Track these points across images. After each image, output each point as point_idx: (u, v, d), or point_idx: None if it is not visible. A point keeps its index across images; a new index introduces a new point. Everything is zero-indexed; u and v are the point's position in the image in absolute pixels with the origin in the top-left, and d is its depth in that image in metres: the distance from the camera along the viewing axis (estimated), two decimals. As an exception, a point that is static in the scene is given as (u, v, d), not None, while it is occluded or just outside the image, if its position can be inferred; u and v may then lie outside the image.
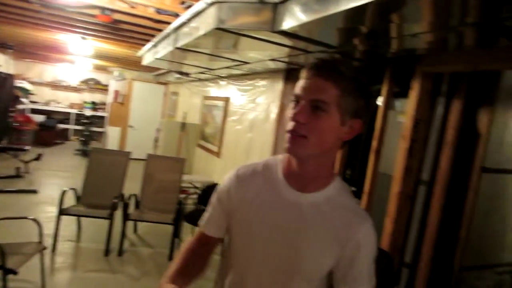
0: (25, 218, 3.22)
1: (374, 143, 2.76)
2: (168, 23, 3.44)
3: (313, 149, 0.88)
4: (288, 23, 1.93)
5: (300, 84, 0.88)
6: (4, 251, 2.38)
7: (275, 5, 1.97)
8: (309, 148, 0.87)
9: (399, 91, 2.76)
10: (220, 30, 2.17)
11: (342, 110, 0.86)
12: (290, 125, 0.87)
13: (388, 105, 2.75)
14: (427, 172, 2.68)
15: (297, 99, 0.87)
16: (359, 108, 0.89)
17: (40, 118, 9.85)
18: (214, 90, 6.25)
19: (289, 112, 0.89)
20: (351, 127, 0.90)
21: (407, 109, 2.51)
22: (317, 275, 0.94)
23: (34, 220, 2.96)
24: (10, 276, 2.42)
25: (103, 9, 3.28)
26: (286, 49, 2.73)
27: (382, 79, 2.75)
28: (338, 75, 0.85)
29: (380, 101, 2.83)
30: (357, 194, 3.30)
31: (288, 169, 0.97)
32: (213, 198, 1.07)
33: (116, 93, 9.76)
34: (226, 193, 1.02)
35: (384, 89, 2.70)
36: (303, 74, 0.89)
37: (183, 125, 6.85)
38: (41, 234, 2.90)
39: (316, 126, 0.85)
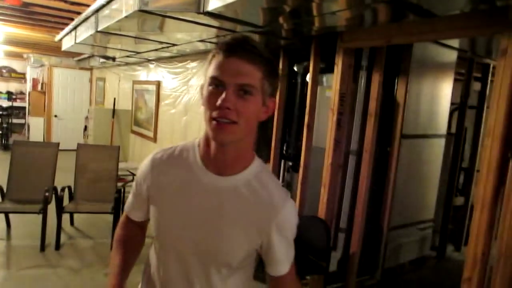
0: None
1: (306, 118, 2.88)
2: (86, 5, 3.23)
3: (241, 134, 0.86)
4: (213, 4, 1.92)
5: (218, 66, 0.83)
6: None
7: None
8: (238, 133, 0.85)
9: (325, 67, 2.89)
10: (143, 12, 2.09)
11: (264, 92, 0.86)
12: (215, 112, 0.82)
13: (316, 81, 2.87)
14: (355, 142, 2.87)
15: (219, 83, 0.82)
16: (275, 87, 0.90)
17: None
18: (143, 74, 6.02)
19: (208, 96, 0.84)
20: (268, 107, 0.90)
21: (332, 84, 2.64)
22: (235, 260, 0.93)
23: None
24: None
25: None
26: (214, 30, 2.72)
27: (308, 57, 2.85)
28: (259, 57, 0.84)
29: (308, 77, 2.94)
30: (294, 168, 3.45)
31: (206, 152, 0.93)
32: (133, 183, 1.06)
33: (35, 81, 9.00)
34: (143, 179, 1.00)
35: (311, 66, 2.81)
36: (217, 54, 0.84)
37: (114, 112, 6.56)
38: None
39: (245, 111, 0.83)
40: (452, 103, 3.42)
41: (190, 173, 0.94)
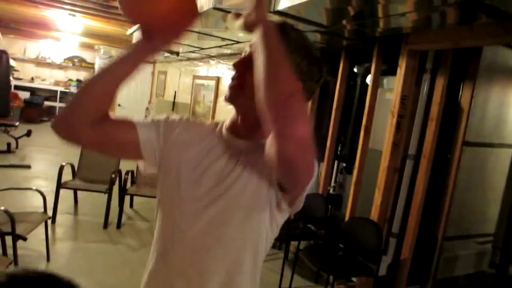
0: (30, 189, 3.30)
1: (364, 120, 2.86)
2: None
3: (247, 100, 0.87)
4: (283, 3, 1.98)
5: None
6: (14, 219, 2.48)
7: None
8: (243, 97, 0.89)
9: (387, 69, 2.85)
10: (217, 10, 2.21)
11: None
12: (231, 75, 0.92)
13: (377, 82, 2.83)
14: (413, 146, 2.80)
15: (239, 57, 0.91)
16: (300, 69, 0.88)
17: (25, 95, 9.74)
18: (204, 69, 6.24)
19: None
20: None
21: (394, 86, 2.61)
22: (254, 207, 0.89)
23: (38, 191, 3.07)
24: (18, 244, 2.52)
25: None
26: (277, 28, 2.78)
27: (369, 58, 2.83)
28: (282, 33, 0.85)
29: (369, 79, 2.91)
30: (348, 170, 3.43)
31: (231, 122, 0.97)
32: (158, 116, 1.00)
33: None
34: (177, 121, 0.99)
35: (373, 67, 2.78)
36: None
37: (174, 104, 6.87)
38: (45, 205, 3.02)
39: (252, 77, 0.83)
40: (524, 112, 3.21)
41: (216, 137, 0.96)
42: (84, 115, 0.85)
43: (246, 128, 0.93)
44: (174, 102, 6.91)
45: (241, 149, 0.93)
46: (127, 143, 0.93)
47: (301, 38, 0.92)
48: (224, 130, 0.97)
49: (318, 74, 0.93)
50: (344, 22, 2.24)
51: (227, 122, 0.99)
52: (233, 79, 0.91)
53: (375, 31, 2.48)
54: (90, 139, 0.88)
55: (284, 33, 0.87)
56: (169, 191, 0.95)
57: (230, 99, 0.92)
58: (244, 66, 0.88)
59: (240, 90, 0.89)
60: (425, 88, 2.73)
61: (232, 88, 0.91)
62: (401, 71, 2.52)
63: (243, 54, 0.91)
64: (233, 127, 0.96)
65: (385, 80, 2.98)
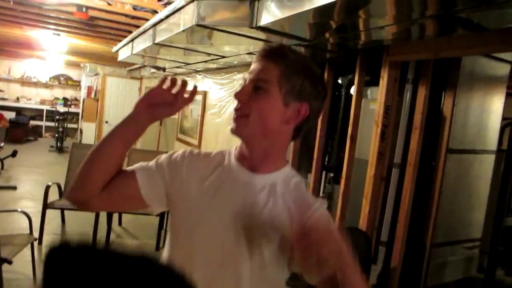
0: (15, 210, 3.25)
1: (350, 130, 2.91)
2: (144, 19, 3.47)
3: (255, 128, 0.88)
4: (265, 19, 2.03)
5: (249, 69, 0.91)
6: (-1, 241, 2.44)
7: (252, 1, 2.07)
8: (250, 126, 0.88)
9: (370, 80, 2.91)
10: (200, 27, 2.24)
11: (284, 90, 0.87)
12: (234, 105, 0.91)
13: (360, 93, 2.89)
14: (399, 155, 2.85)
15: (243, 82, 0.91)
16: (304, 90, 0.89)
17: (10, 115, 9.65)
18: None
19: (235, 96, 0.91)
20: (297, 111, 0.90)
21: (377, 96, 2.66)
22: (267, 256, 0.88)
23: (24, 213, 3.02)
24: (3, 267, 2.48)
25: (80, 6, 3.27)
26: (261, 43, 2.83)
27: (353, 70, 2.89)
28: (281, 56, 0.88)
29: (352, 90, 2.97)
30: (335, 179, 3.46)
31: (240, 152, 0.96)
32: (162, 158, 1.00)
33: (90, 88, 9.62)
34: (179, 159, 0.98)
35: (356, 79, 2.84)
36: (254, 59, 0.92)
37: (161, 120, 6.87)
38: (30, 226, 2.99)
39: (257, 105, 0.87)
40: (504, 118, 3.30)
41: (225, 170, 0.95)
42: (92, 186, 0.89)
43: (256, 159, 0.93)
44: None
45: (253, 183, 0.92)
46: (133, 198, 0.95)
47: (301, 58, 0.93)
48: (233, 162, 0.96)
49: (323, 92, 0.94)
50: (327, 35, 2.30)
51: (235, 153, 0.98)
52: (236, 110, 0.90)
53: (357, 44, 2.55)
54: (101, 204, 0.95)
55: (283, 55, 0.89)
56: (183, 228, 0.95)
57: (237, 130, 0.91)
58: (247, 95, 0.89)
59: (246, 120, 0.88)
60: (407, 97, 2.79)
61: (237, 119, 0.90)
62: (383, 81, 2.59)
63: (243, 83, 0.91)
64: (242, 158, 0.95)
65: (369, 91, 3.04)
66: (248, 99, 0.88)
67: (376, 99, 2.75)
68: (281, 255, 0.89)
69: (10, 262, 2.49)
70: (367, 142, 2.81)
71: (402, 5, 1.59)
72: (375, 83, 2.71)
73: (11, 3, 3.42)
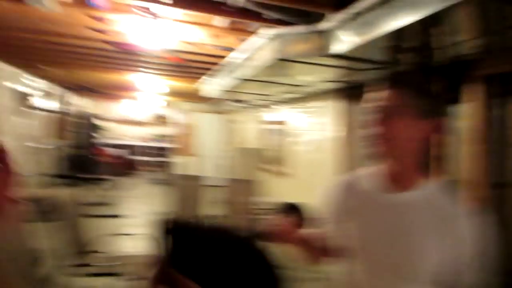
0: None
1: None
2: (221, 56, 3.78)
3: (395, 150, 0.99)
4: (339, 47, 2.12)
5: (375, 98, 1.01)
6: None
7: (329, 32, 2.18)
8: (395, 149, 0.99)
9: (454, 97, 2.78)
10: (281, 61, 2.41)
11: (414, 112, 0.97)
12: (372, 135, 1.00)
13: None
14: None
15: (373, 112, 1.01)
16: (427, 108, 0.98)
17: (112, 150, 10.84)
18: (270, 114, 6.51)
19: (368, 124, 1.01)
20: (427, 126, 0.99)
21: (465, 113, 2.54)
22: (426, 273, 0.96)
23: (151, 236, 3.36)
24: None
25: (175, 51, 3.67)
26: (337, 69, 2.90)
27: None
28: (403, 83, 1.00)
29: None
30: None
31: (379, 175, 1.06)
32: (327, 214, 1.17)
33: (181, 125, 10.44)
34: (335, 205, 1.14)
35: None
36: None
37: (245, 150, 7.21)
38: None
39: (392, 130, 0.97)
40: None
41: (370, 196, 1.06)
42: None
43: (395, 178, 1.03)
44: (246, 148, 7.25)
45: (399, 203, 1.01)
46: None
47: (420, 80, 1.04)
48: (373, 183, 1.07)
49: (441, 106, 1.05)
50: (401, 56, 2.30)
51: (371, 176, 1.08)
52: (377, 136, 1.00)
53: (438, 61, 2.49)
54: None
55: (406, 81, 1.01)
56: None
57: (384, 154, 1.01)
58: (383, 124, 0.99)
59: (390, 143, 0.99)
60: (498, 112, 2.61)
61: (380, 145, 1.00)
62: (473, 97, 2.47)
63: (372, 110, 1.01)
64: (383, 179, 1.05)
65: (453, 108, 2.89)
66: (385, 125, 0.98)
67: (464, 116, 2.61)
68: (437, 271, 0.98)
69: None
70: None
71: (483, 18, 1.56)
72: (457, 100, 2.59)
73: (118, 52, 3.95)
